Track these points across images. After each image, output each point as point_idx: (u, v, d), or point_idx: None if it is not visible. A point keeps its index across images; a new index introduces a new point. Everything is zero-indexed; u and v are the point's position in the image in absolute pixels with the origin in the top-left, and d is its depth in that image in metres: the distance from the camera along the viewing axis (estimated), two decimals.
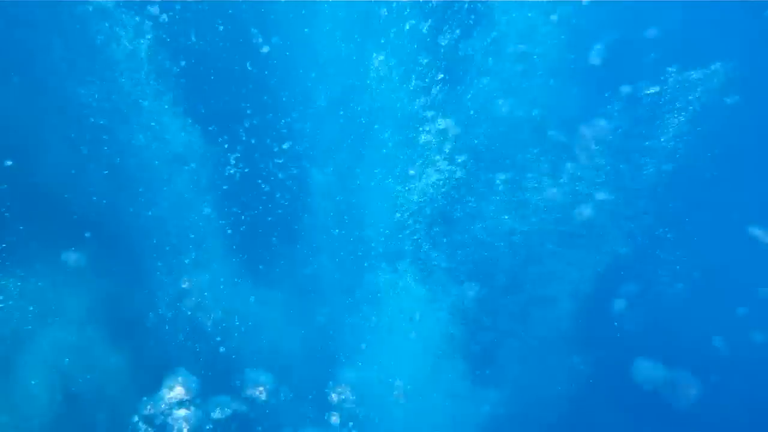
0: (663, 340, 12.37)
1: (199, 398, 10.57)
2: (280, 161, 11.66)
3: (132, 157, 10.69)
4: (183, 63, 10.63)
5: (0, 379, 10.11)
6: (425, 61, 10.54)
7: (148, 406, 10.30)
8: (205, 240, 11.66)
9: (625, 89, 10.06)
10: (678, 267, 11.75)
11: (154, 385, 10.51)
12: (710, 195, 11.05)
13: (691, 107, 10.14)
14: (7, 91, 9.89)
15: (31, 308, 10.41)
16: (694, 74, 9.75)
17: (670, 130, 10.40)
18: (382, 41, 10.58)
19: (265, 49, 10.87)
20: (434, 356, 12.64)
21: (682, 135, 10.44)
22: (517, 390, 12.90)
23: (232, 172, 11.61)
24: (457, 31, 10.32)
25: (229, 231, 11.93)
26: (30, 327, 10.37)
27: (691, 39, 9.70)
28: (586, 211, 11.35)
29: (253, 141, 11.35)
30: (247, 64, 11.01)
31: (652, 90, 9.93)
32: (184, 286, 11.74)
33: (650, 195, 11.21)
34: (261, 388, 10.99)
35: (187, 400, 10.43)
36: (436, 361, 12.70)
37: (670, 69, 9.82)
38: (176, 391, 10.45)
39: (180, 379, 10.64)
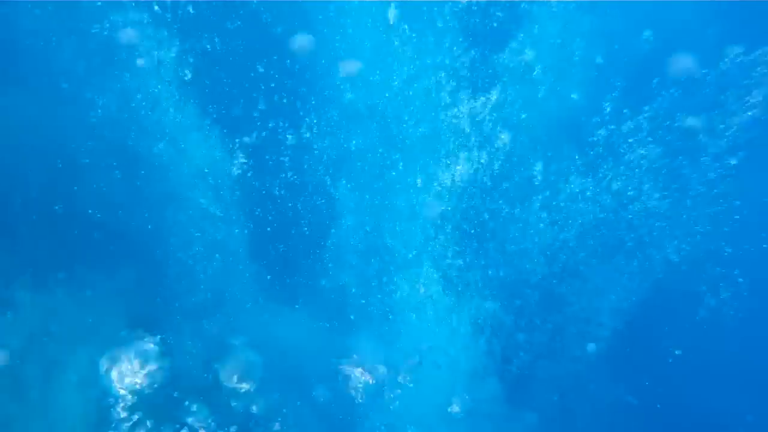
0: (721, 369, 10.70)
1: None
2: (298, 165, 10.67)
3: (148, 167, 10.01)
4: (200, 69, 9.88)
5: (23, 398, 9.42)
6: (456, 51, 9.39)
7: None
8: (222, 253, 10.67)
9: (679, 78, 8.63)
10: (739, 282, 10.09)
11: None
12: None
13: (757, 95, 8.58)
14: (21, 100, 9.19)
15: (42, 323, 9.59)
16: (762, 55, 8.21)
17: (732, 122, 8.87)
18: (412, 34, 9.51)
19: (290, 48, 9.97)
20: (463, 375, 11.21)
21: (747, 128, 8.89)
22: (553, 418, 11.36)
23: (248, 178, 10.66)
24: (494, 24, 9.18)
25: (247, 241, 10.88)
26: (42, 344, 9.60)
27: (757, 12, 8.20)
28: (632, 216, 9.84)
29: (271, 148, 10.42)
30: (264, 67, 10.11)
31: (710, 76, 8.44)
32: (200, 299, 10.73)
33: (709, 198, 9.61)
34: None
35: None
36: (467, 380, 11.37)
37: (732, 50, 8.31)
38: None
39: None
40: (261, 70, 10.17)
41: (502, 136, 9.58)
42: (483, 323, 11.37)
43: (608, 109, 9.34)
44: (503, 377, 11.64)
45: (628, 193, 9.90)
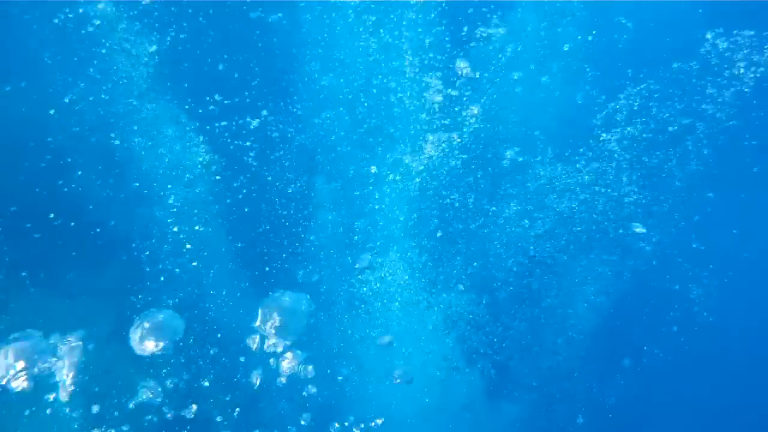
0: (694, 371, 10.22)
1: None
2: (271, 157, 10.07)
3: (126, 165, 9.35)
4: (176, 62, 9.27)
5: None
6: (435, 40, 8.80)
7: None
8: (200, 247, 10.09)
9: (657, 66, 8.04)
10: (708, 281, 9.53)
11: None
12: (756, 190, 8.83)
13: (737, 83, 7.98)
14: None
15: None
16: (741, 41, 7.58)
17: (709, 112, 8.27)
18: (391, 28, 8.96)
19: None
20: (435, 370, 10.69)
21: (726, 118, 8.28)
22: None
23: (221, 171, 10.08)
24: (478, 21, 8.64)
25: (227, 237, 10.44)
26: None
27: None
28: (608, 210, 9.25)
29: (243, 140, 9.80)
30: (237, 58, 9.54)
31: (688, 65, 7.84)
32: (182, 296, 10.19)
33: (683, 190, 9.02)
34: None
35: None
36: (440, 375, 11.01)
37: (710, 37, 7.69)
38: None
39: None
40: (235, 59, 9.63)
41: (473, 122, 9.00)
42: (456, 316, 10.84)
43: (582, 98, 8.74)
44: (476, 370, 11.16)
45: (603, 184, 9.31)
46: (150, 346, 7.96)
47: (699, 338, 10.17)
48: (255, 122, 9.79)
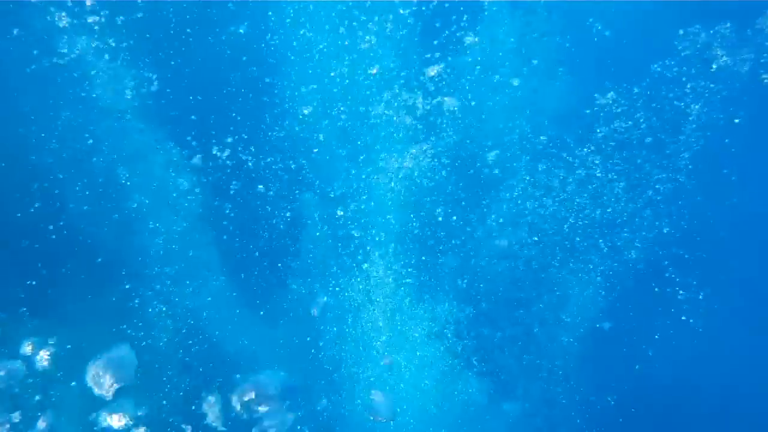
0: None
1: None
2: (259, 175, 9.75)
3: (113, 198, 9.21)
4: (157, 80, 9.00)
5: None
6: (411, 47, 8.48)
7: None
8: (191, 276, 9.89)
9: (637, 67, 7.59)
10: (700, 295, 9.09)
11: None
12: (744, 193, 8.37)
13: (721, 82, 7.52)
14: None
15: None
16: (721, 38, 7.11)
17: (694, 114, 7.80)
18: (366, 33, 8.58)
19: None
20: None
21: (712, 119, 7.81)
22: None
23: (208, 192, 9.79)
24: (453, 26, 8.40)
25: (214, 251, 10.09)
26: None
27: None
28: (595, 215, 8.81)
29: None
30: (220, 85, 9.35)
31: (668, 65, 7.40)
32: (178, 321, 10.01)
33: (669, 193, 8.55)
34: None
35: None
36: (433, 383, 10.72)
37: (688, 35, 7.22)
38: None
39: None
40: (214, 82, 9.26)
41: (454, 131, 8.64)
42: (444, 325, 10.48)
43: (563, 104, 8.31)
44: (469, 378, 10.75)
45: (587, 190, 8.87)
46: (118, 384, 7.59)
47: (689, 343, 9.79)
48: (227, 151, 9.52)
